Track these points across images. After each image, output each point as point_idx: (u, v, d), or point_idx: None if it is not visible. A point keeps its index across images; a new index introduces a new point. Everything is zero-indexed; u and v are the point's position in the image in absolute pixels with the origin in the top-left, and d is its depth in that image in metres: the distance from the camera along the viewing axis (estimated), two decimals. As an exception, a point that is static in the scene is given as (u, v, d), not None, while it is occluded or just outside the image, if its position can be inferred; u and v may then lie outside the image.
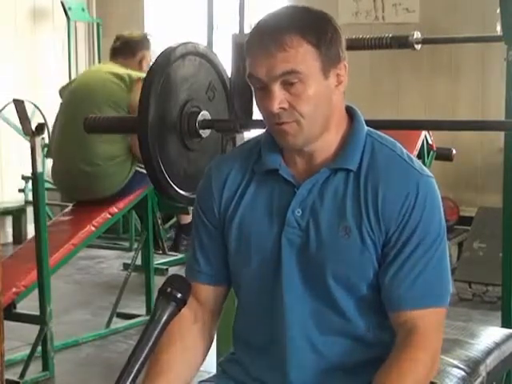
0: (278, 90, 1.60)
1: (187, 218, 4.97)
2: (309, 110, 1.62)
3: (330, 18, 1.66)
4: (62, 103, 4.50)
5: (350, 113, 1.74)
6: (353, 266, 1.65)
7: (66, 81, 6.71)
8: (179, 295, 1.41)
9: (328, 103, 1.65)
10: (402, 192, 1.64)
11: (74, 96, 4.36)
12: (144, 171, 4.28)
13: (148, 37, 4.60)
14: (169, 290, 1.41)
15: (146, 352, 1.38)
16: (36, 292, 3.71)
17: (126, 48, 4.48)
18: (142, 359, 1.37)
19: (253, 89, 1.67)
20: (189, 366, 1.76)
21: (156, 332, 1.39)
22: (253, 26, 1.66)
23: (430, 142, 4.74)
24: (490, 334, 2.40)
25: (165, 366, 1.71)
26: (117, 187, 4.23)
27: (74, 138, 4.16)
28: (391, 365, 1.61)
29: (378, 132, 1.75)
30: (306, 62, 1.60)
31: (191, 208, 4.73)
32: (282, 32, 1.59)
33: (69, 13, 6.68)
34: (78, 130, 3.36)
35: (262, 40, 1.61)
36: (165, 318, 1.40)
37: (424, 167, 1.71)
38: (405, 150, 1.72)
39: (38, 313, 3.70)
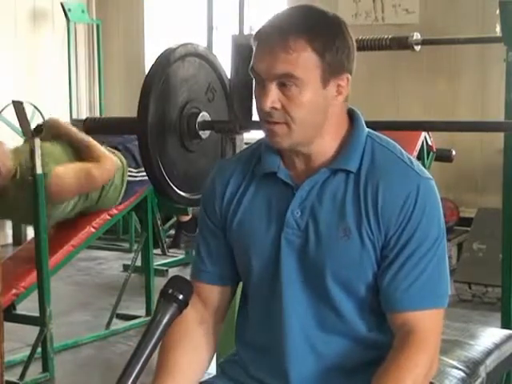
0: (273, 88, 1.60)
1: (187, 216, 4.97)
2: (300, 116, 1.61)
3: (341, 25, 1.63)
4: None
5: (351, 115, 1.73)
6: (352, 267, 1.65)
7: (65, 82, 6.74)
8: (181, 296, 1.41)
9: (323, 112, 1.64)
10: (402, 194, 1.63)
11: None
12: (135, 178, 4.29)
13: None
14: (170, 291, 1.41)
15: (146, 353, 1.38)
16: (36, 293, 3.71)
17: None
18: (142, 361, 1.37)
19: (253, 81, 1.66)
20: (196, 366, 1.76)
21: (157, 333, 1.39)
22: (264, 22, 1.64)
23: (429, 142, 4.74)
24: (490, 335, 2.40)
25: (172, 367, 1.71)
26: (114, 204, 4.22)
27: None
28: (390, 366, 1.60)
29: (378, 134, 1.74)
30: (306, 69, 1.59)
31: (191, 209, 4.75)
32: (290, 33, 1.58)
33: (68, 14, 6.68)
34: None
35: (269, 36, 1.60)
36: (166, 319, 1.39)
37: (424, 169, 1.71)
38: (405, 152, 1.72)
39: (37, 314, 3.70)
